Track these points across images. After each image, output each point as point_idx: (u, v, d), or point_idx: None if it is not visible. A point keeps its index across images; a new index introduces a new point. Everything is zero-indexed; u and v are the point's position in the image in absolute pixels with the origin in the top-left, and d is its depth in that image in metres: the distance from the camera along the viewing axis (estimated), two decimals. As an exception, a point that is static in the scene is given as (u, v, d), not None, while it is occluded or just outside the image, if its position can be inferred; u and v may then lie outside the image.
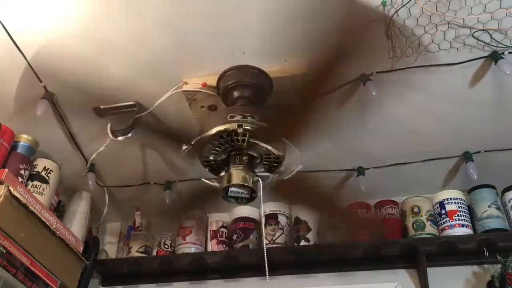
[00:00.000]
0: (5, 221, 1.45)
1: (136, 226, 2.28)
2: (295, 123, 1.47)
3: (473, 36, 1.44)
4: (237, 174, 1.40)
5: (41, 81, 1.65)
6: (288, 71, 1.55)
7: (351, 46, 1.37)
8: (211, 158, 1.47)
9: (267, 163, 1.46)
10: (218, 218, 2.23)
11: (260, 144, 1.40)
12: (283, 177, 1.54)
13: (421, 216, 1.99)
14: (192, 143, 1.45)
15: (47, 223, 1.63)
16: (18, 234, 1.49)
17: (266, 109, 1.60)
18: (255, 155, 1.45)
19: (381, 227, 2.02)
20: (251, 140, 1.39)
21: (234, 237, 2.12)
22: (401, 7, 1.36)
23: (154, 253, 2.20)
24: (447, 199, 1.98)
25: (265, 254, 1.49)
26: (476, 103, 1.68)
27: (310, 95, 1.45)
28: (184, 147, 1.49)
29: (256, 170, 1.48)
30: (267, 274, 1.45)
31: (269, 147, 1.40)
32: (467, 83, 1.61)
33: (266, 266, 1.47)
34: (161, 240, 2.21)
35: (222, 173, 1.48)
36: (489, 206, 1.92)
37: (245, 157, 1.44)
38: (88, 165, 1.98)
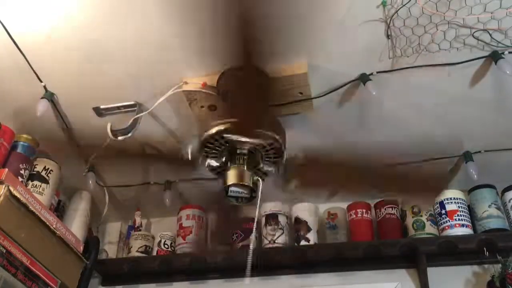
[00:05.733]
0: (5, 221, 1.45)
1: (136, 226, 2.28)
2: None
3: (473, 36, 1.44)
4: (236, 173, 1.40)
5: (41, 81, 1.65)
6: (288, 71, 1.55)
7: None
8: (211, 157, 1.47)
9: (269, 157, 1.46)
10: (218, 218, 2.23)
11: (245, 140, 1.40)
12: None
13: (421, 216, 1.99)
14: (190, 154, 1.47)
15: (47, 223, 1.64)
16: (18, 234, 1.50)
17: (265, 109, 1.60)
18: (255, 153, 1.45)
19: None
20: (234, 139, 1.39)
21: (234, 237, 2.12)
22: (401, 7, 1.36)
23: (154, 253, 2.20)
24: (447, 199, 1.98)
25: (250, 255, 1.49)
26: (476, 103, 1.68)
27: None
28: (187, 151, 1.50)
29: (261, 166, 1.48)
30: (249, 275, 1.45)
31: (257, 141, 1.40)
32: (467, 83, 1.61)
33: (249, 267, 1.47)
34: (161, 240, 2.21)
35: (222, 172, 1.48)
36: (489, 206, 1.92)
37: (245, 157, 1.44)
38: (88, 165, 1.98)
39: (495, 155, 1.88)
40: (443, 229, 1.93)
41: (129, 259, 2.18)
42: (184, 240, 2.15)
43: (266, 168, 1.49)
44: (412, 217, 2.00)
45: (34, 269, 1.55)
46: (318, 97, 1.66)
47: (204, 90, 1.60)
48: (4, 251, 1.43)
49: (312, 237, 2.04)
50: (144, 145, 1.93)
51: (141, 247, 2.21)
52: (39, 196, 1.77)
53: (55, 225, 1.68)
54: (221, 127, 1.39)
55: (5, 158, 1.73)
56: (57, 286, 1.67)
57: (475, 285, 1.88)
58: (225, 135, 1.40)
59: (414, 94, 1.66)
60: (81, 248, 1.85)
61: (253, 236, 1.37)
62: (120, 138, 1.68)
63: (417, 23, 1.40)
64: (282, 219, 2.10)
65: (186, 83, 1.61)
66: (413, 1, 1.33)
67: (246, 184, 1.40)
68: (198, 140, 1.47)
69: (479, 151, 1.88)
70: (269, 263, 2.02)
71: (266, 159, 1.47)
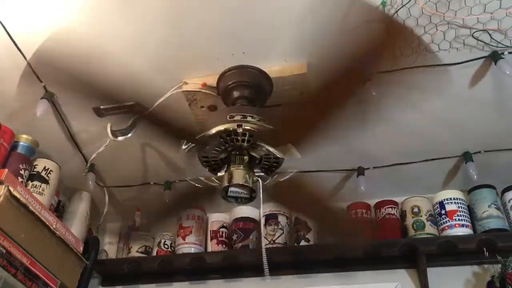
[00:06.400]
0: (5, 221, 1.45)
1: (136, 226, 2.28)
2: (302, 127, 1.45)
3: (473, 36, 1.44)
4: (237, 174, 1.40)
5: (41, 81, 1.65)
6: (288, 71, 1.55)
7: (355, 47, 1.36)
8: (211, 157, 1.47)
9: (267, 163, 1.46)
10: (218, 218, 2.23)
11: (260, 144, 1.39)
12: (279, 179, 1.54)
13: (421, 216, 1.99)
14: (193, 142, 1.45)
15: (47, 223, 1.64)
16: (18, 234, 1.50)
17: (266, 109, 1.60)
18: (255, 155, 1.45)
19: (377, 228, 2.01)
20: (251, 140, 1.38)
21: (234, 237, 2.12)
22: (401, 7, 1.36)
23: (154, 253, 2.20)
24: (447, 199, 1.98)
25: (265, 254, 1.48)
26: (476, 103, 1.68)
27: (317, 99, 1.44)
28: (184, 146, 1.48)
29: (254, 170, 1.47)
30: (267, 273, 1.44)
31: (270, 148, 1.39)
32: (467, 83, 1.61)
33: (266, 265, 1.46)
34: (161, 240, 2.21)
35: (221, 173, 1.48)
36: (489, 206, 1.92)
37: (245, 157, 1.44)
38: (88, 165, 1.98)
39: (495, 155, 1.88)
40: (443, 229, 1.94)
41: (129, 259, 2.18)
42: (184, 240, 2.15)
43: (260, 173, 1.48)
44: (412, 217, 2.00)
45: (34, 270, 1.55)
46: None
47: (204, 90, 1.60)
48: (4, 251, 1.43)
49: (312, 237, 2.04)
50: (144, 145, 1.94)
51: (141, 247, 2.21)
52: (39, 197, 1.76)
53: (55, 225, 1.68)
54: (221, 128, 1.39)
55: (5, 158, 1.73)
56: (57, 286, 1.67)
57: (475, 285, 1.88)
58: (259, 142, 1.38)
59: (414, 94, 1.66)
60: (81, 248, 1.85)
61: (263, 231, 1.37)
62: (120, 138, 1.68)
63: (416, 23, 1.40)
64: (282, 219, 2.10)
65: (186, 83, 1.61)
66: (413, 2, 1.33)
67: (246, 184, 1.40)
68: (198, 140, 1.46)
69: (479, 151, 1.88)
70: (269, 263, 2.01)
71: (263, 164, 1.47)
